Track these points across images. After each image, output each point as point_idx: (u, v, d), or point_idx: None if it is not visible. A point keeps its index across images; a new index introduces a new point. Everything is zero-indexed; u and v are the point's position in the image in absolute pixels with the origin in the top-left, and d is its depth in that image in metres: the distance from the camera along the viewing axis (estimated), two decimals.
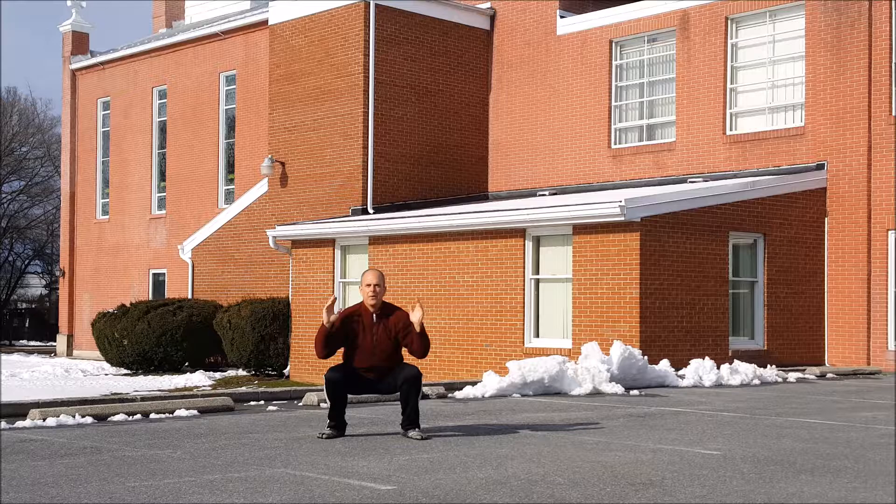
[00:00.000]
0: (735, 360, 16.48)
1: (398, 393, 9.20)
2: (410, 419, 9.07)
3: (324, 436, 9.02)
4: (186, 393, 14.65)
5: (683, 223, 18.43)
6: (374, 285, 9.18)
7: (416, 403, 9.08)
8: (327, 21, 24.74)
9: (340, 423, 9.13)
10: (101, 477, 7.03)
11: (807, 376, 17.32)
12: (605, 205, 17.78)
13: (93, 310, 32.42)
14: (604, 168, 23.95)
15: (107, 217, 34.58)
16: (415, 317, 9.13)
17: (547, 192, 24.23)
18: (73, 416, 10.24)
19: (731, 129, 22.22)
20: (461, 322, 20.05)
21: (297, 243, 23.34)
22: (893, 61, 20.08)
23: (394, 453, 8.11)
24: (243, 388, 18.36)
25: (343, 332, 9.21)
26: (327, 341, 9.17)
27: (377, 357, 9.14)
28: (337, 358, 9.43)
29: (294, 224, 23.85)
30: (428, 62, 25.05)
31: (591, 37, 24.31)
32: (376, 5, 24.00)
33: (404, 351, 9.38)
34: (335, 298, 9.45)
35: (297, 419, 10.58)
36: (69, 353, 34.85)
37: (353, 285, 21.91)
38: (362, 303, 9.30)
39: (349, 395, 9.32)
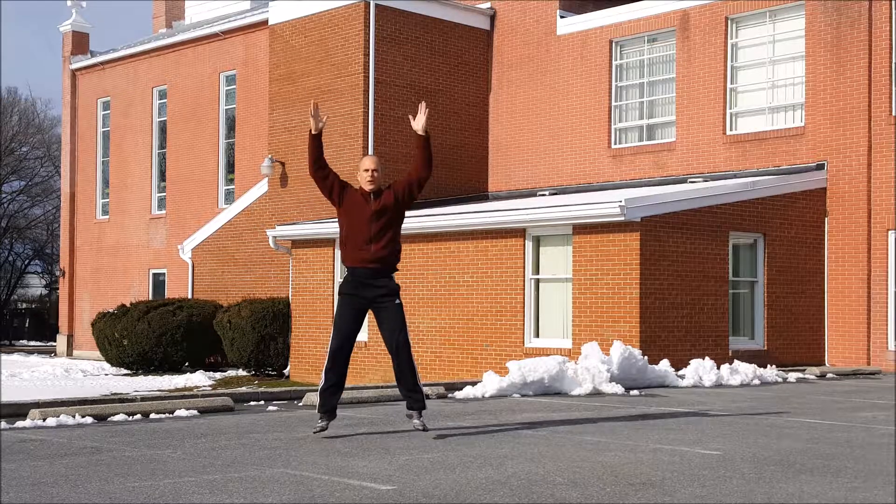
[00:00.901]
0: (735, 360, 16.48)
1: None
2: (413, 394, 9.01)
3: (318, 429, 9.01)
4: (186, 393, 14.64)
5: (683, 223, 18.44)
6: (373, 170, 9.04)
7: (413, 374, 8.97)
8: (327, 21, 24.74)
9: (331, 407, 9.05)
10: (101, 477, 7.03)
11: (807, 376, 17.31)
12: (605, 205, 17.78)
13: (93, 310, 32.43)
14: (604, 168, 23.96)
15: (107, 217, 34.59)
16: (417, 122, 9.07)
17: (547, 192, 24.23)
18: (73, 416, 10.24)
19: (731, 129, 22.22)
20: (461, 322, 20.05)
21: (297, 243, 23.34)
22: (893, 61, 20.08)
23: (394, 453, 8.10)
24: (243, 388, 18.36)
25: (337, 180, 9.10)
26: (317, 148, 9.04)
27: (375, 228, 8.94)
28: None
29: (294, 224, 23.85)
30: (428, 62, 25.05)
31: (591, 37, 24.31)
32: (376, 5, 24.00)
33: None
34: (314, 103, 9.29)
35: (297, 419, 10.57)
36: (69, 354, 34.86)
37: None
38: (360, 187, 9.18)
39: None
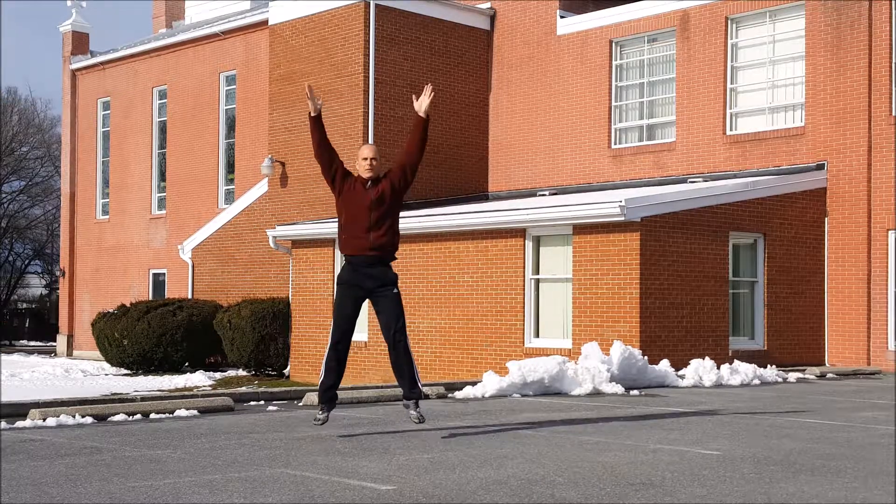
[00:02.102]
0: (735, 360, 16.48)
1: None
2: (411, 386, 9.01)
3: (318, 421, 9.01)
4: (186, 393, 14.65)
5: (683, 223, 18.44)
6: (371, 159, 9.07)
7: (410, 363, 8.97)
8: (327, 21, 24.74)
9: (331, 396, 9.06)
10: (101, 477, 7.03)
11: (807, 376, 17.31)
12: (605, 205, 17.78)
13: (93, 310, 32.43)
14: (604, 168, 23.95)
15: (107, 217, 34.59)
16: (422, 103, 9.07)
17: (547, 192, 24.23)
18: (73, 416, 10.24)
19: (731, 129, 22.22)
20: (461, 322, 20.05)
21: (297, 243, 23.34)
22: (893, 61, 20.08)
23: (394, 453, 8.10)
24: (243, 388, 18.36)
25: (342, 174, 9.11)
26: (319, 128, 9.07)
27: (374, 216, 8.94)
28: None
29: (294, 224, 23.85)
30: (428, 62, 25.05)
31: (591, 37, 24.31)
32: (376, 5, 24.00)
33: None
34: (309, 86, 9.30)
35: (297, 419, 10.57)
36: (69, 354, 34.86)
37: None
38: (358, 175, 9.19)
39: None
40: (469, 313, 19.97)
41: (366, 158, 9.10)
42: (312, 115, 9.15)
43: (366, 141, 23.75)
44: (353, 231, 9.05)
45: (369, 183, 9.05)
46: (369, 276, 9.01)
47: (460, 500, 6.26)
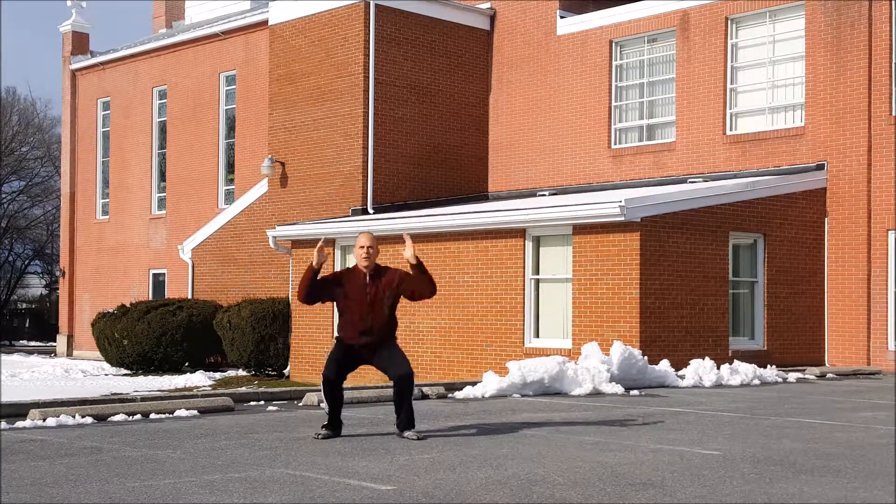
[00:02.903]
0: (735, 361, 16.48)
1: (392, 391, 9.18)
2: (407, 420, 9.06)
3: (319, 436, 9.02)
4: (186, 393, 14.65)
5: (683, 223, 18.43)
6: (367, 247, 9.11)
7: (410, 404, 9.07)
8: (327, 21, 24.74)
9: (336, 423, 9.11)
10: (101, 477, 7.03)
11: (807, 376, 17.31)
12: (605, 205, 17.78)
13: (93, 310, 32.42)
14: (604, 168, 23.95)
15: (107, 217, 34.59)
16: (407, 252, 9.10)
17: (547, 192, 24.22)
18: (73, 417, 10.24)
19: (731, 129, 22.22)
20: (461, 322, 20.05)
21: (297, 243, 23.34)
22: (893, 61, 20.07)
23: (394, 453, 8.10)
24: (243, 389, 18.35)
25: (332, 286, 9.15)
26: (311, 283, 9.10)
27: (372, 316, 9.02)
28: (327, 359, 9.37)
29: (294, 224, 23.85)
30: (428, 62, 25.05)
31: (591, 37, 24.31)
32: (376, 5, 24.00)
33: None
34: (323, 240, 9.39)
35: (297, 419, 10.58)
36: (69, 354, 34.85)
37: None
38: (356, 266, 9.24)
39: (347, 397, 9.32)
40: (469, 313, 19.97)
41: (362, 247, 9.14)
42: (314, 267, 9.10)
43: (366, 140, 23.76)
44: (351, 322, 9.13)
45: (367, 277, 9.10)
46: (367, 349, 9.17)
47: (460, 500, 6.26)
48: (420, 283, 9.16)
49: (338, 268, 22.36)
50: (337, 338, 9.33)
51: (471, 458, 7.83)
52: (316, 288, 9.18)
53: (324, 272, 9.20)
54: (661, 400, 12.92)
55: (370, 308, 9.03)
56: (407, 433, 9.00)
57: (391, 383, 9.29)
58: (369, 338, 9.09)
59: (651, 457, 7.98)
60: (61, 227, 37.18)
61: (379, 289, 9.06)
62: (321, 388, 9.18)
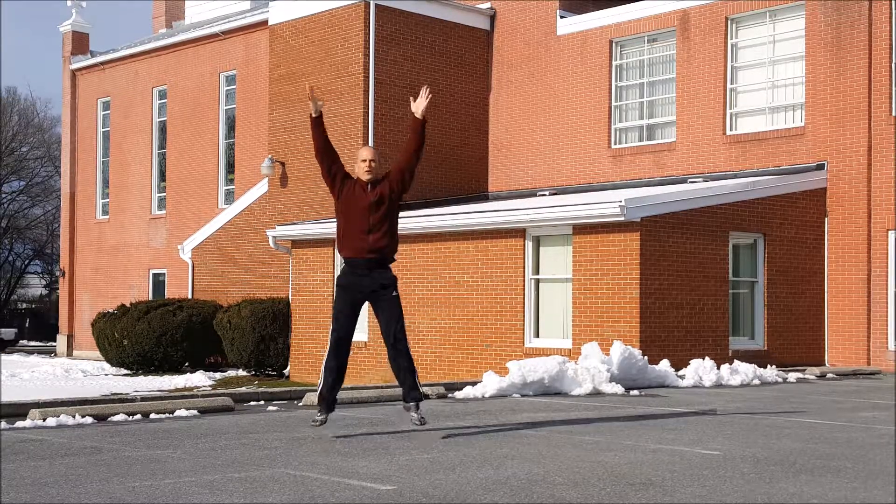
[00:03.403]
0: (735, 360, 16.47)
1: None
2: (411, 390, 9.01)
3: (317, 422, 9.01)
4: (186, 393, 14.65)
5: (683, 223, 18.44)
6: (370, 160, 9.10)
7: (410, 370, 8.97)
8: (327, 21, 24.74)
9: (332, 400, 9.05)
10: (101, 477, 7.03)
11: (807, 376, 17.31)
12: (605, 205, 17.78)
13: (93, 310, 32.43)
14: (604, 168, 23.95)
15: (107, 217, 34.59)
16: (418, 105, 9.14)
17: (547, 192, 24.23)
18: (73, 416, 10.24)
19: (731, 129, 22.22)
20: (461, 322, 20.05)
21: (297, 243, 23.34)
22: (893, 61, 20.08)
23: (394, 453, 8.11)
24: (243, 388, 18.36)
25: (342, 177, 9.12)
26: (320, 130, 9.12)
27: (373, 219, 8.97)
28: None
29: (294, 224, 23.85)
30: (428, 62, 25.05)
31: (591, 37, 24.31)
32: (376, 5, 24.00)
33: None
34: (311, 87, 9.32)
35: (297, 419, 10.58)
36: (69, 354, 34.86)
37: None
38: (357, 178, 9.20)
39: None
40: (469, 313, 19.97)
41: (364, 160, 9.12)
42: (313, 115, 9.18)
43: (366, 141, 23.75)
44: (351, 233, 9.06)
45: (368, 185, 9.07)
46: (368, 279, 9.02)
47: (460, 500, 6.26)
48: (412, 142, 9.17)
49: (337, 270, 22.38)
50: (338, 278, 9.21)
51: (471, 458, 7.83)
52: (327, 138, 9.16)
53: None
54: (661, 400, 12.92)
55: (374, 208, 8.98)
56: (413, 413, 9.00)
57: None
58: (374, 255, 8.98)
59: (651, 457, 7.98)
60: (61, 227, 37.19)
61: (377, 192, 9.04)
62: (326, 357, 9.03)
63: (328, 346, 9.07)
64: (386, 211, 9.04)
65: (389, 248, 9.09)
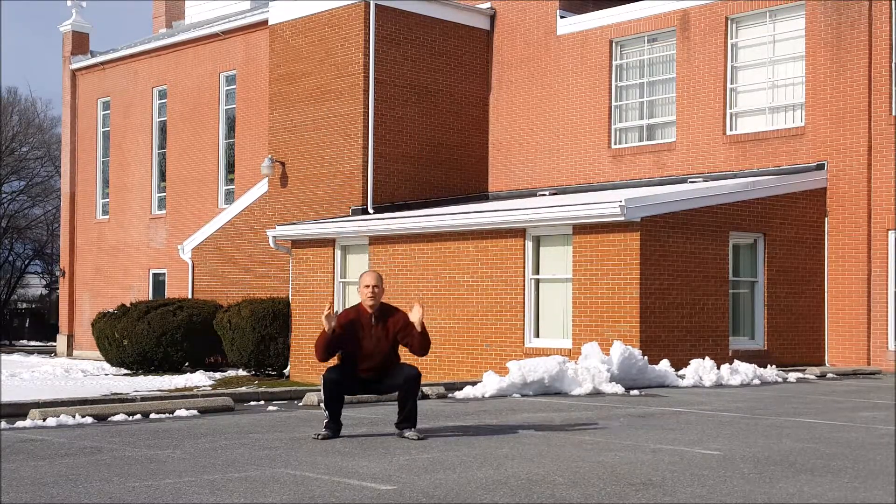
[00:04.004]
0: (735, 360, 16.47)
1: (396, 392, 9.21)
2: (408, 418, 9.08)
3: (319, 436, 9.02)
4: (186, 393, 14.65)
5: (683, 223, 18.43)
6: (373, 286, 9.17)
7: (414, 403, 9.09)
8: (327, 21, 24.74)
9: (336, 425, 9.12)
10: (101, 477, 7.03)
11: (807, 376, 17.31)
12: (605, 205, 17.77)
13: (93, 310, 32.43)
14: (604, 168, 23.95)
15: (107, 217, 34.58)
16: (414, 316, 9.13)
17: (547, 192, 24.22)
18: (73, 416, 10.24)
19: (731, 129, 22.22)
20: (461, 322, 20.05)
21: (297, 243, 23.34)
22: (893, 61, 20.07)
23: (394, 453, 8.11)
24: (243, 388, 18.36)
25: (343, 336, 9.19)
26: (328, 347, 9.17)
27: (376, 359, 9.15)
28: (335, 359, 9.42)
29: (294, 224, 23.85)
30: (428, 62, 25.05)
31: (591, 37, 24.31)
32: (376, 5, 24.00)
33: (403, 350, 9.37)
34: (332, 303, 9.47)
35: (297, 419, 10.58)
36: (69, 353, 34.85)
37: (352, 285, 21.92)
38: (360, 304, 9.28)
39: (347, 397, 9.34)
40: (469, 313, 19.97)
41: (368, 286, 9.19)
42: (327, 333, 9.11)
43: (366, 141, 23.76)
44: (358, 361, 9.19)
45: (374, 318, 9.15)
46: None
47: (460, 500, 6.26)
48: (418, 340, 9.20)
49: (337, 270, 22.38)
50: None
51: (471, 458, 7.83)
52: (332, 347, 9.24)
53: (330, 311, 9.14)
54: (662, 400, 12.92)
55: (376, 350, 9.15)
56: (408, 433, 9.01)
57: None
58: (373, 374, 9.24)
59: (651, 457, 7.98)
60: (61, 227, 37.18)
61: (384, 330, 9.16)
62: (321, 389, 9.17)
63: (323, 378, 9.12)
64: (390, 347, 9.19)
65: (391, 366, 9.25)
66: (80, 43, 35.58)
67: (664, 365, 15.46)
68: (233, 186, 30.03)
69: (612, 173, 23.78)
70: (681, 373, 15.41)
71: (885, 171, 20.06)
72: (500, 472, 7.24)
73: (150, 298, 30.75)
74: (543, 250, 19.29)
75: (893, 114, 20.02)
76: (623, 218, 17.46)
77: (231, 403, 11.64)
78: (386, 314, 9.22)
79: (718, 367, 15.64)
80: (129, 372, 26.24)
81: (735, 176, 21.40)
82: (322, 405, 9.22)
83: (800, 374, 17.32)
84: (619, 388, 13.82)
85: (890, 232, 20.04)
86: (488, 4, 26.07)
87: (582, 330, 18.17)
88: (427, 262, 20.68)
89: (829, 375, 17.68)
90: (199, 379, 23.60)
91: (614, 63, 24.08)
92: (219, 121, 30.73)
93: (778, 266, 20.05)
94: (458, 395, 13.16)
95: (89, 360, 30.76)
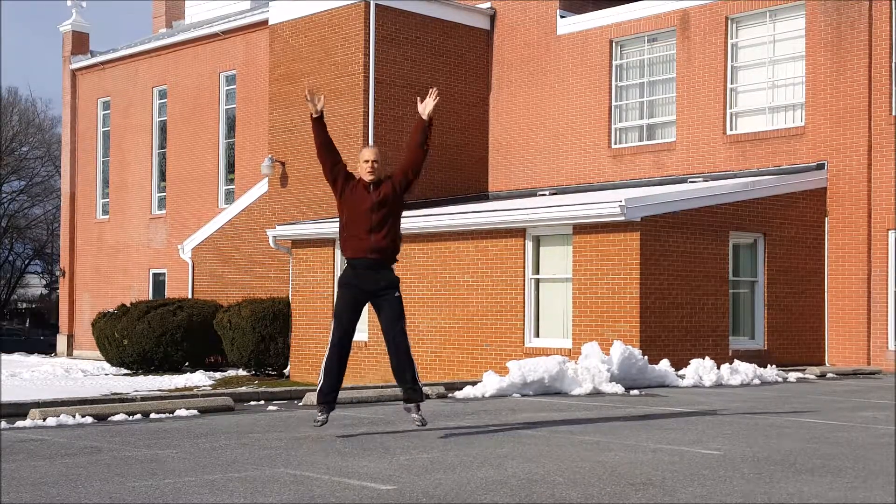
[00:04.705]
0: (735, 360, 16.47)
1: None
2: (412, 386, 9.00)
3: (318, 422, 9.01)
4: (186, 393, 14.64)
5: (683, 223, 18.44)
6: (372, 161, 9.06)
7: (410, 361, 8.98)
8: (327, 21, 24.74)
9: (332, 399, 9.05)
10: (101, 477, 7.03)
11: (807, 376, 17.31)
12: (605, 205, 17.78)
13: (93, 310, 32.43)
14: (604, 168, 23.96)
15: (107, 217, 34.59)
16: (425, 107, 9.05)
17: (547, 192, 24.23)
18: (73, 416, 10.24)
19: (731, 129, 22.22)
20: (461, 322, 20.05)
21: (297, 243, 23.34)
22: (893, 61, 20.08)
23: (394, 453, 8.10)
24: (243, 388, 18.36)
25: (345, 177, 9.10)
26: (321, 131, 9.09)
27: (375, 218, 8.96)
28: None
29: (294, 224, 23.85)
30: (428, 62, 25.05)
31: (591, 37, 24.31)
32: (376, 5, 24.00)
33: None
34: (309, 89, 9.33)
35: (297, 419, 10.57)
36: (69, 353, 34.86)
37: None
38: (360, 178, 9.19)
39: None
40: (469, 313, 19.97)
41: (367, 161, 9.10)
42: (314, 116, 9.15)
43: (366, 141, 23.75)
44: (354, 233, 9.06)
45: (371, 185, 9.07)
46: (371, 279, 9.02)
47: (460, 500, 6.26)
48: (416, 141, 9.10)
49: (337, 270, 22.36)
50: (340, 278, 9.20)
51: (471, 458, 7.83)
52: (328, 138, 9.14)
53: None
54: (661, 400, 12.92)
55: (376, 209, 8.97)
56: (414, 414, 9.00)
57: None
58: (376, 255, 8.98)
59: (651, 457, 7.98)
60: (61, 227, 37.19)
61: (380, 192, 9.02)
62: (326, 356, 9.02)
63: (328, 346, 9.07)
64: (388, 211, 9.03)
65: (391, 248, 9.08)
66: (80, 43, 35.59)
67: (664, 365, 15.46)
68: (233, 186, 30.03)
69: (612, 173, 23.78)
70: (681, 373, 15.41)
71: (885, 171, 20.07)
72: (500, 472, 7.24)
73: (150, 298, 30.76)
74: (543, 250, 19.29)
75: (893, 114, 20.02)
76: (623, 218, 17.47)
77: (231, 403, 11.64)
78: (382, 181, 9.11)
79: (718, 367, 15.63)
80: (129, 372, 26.24)
81: (735, 176, 21.40)
82: (321, 375, 9.08)
83: (800, 374, 17.32)
84: (619, 388, 13.82)
85: (890, 232, 20.04)
86: (488, 4, 26.07)
87: (582, 330, 18.18)
88: (427, 262, 20.68)
89: (829, 375, 17.68)
90: (199, 379, 23.61)
91: (614, 63, 24.08)
92: (219, 121, 30.74)
93: (778, 266, 20.05)
94: (458, 394, 13.16)
95: (89, 360, 30.76)
